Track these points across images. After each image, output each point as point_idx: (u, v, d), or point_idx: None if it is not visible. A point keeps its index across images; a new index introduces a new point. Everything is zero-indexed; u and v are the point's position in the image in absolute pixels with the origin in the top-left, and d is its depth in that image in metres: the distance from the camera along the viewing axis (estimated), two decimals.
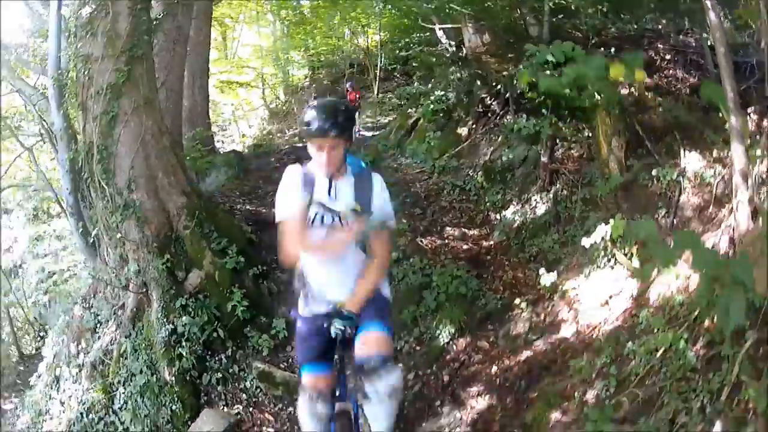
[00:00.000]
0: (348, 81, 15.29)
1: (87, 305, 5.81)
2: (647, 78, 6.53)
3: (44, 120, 8.60)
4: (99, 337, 5.57)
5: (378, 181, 3.20)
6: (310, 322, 3.32)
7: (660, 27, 7.96)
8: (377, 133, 11.58)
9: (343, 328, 3.11)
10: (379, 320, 3.20)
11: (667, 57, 6.98)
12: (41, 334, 10.44)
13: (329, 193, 3.09)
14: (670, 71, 6.73)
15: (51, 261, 12.61)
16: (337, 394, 3.36)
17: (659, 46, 7.20)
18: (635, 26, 7.72)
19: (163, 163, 5.56)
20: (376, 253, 3.21)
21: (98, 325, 5.64)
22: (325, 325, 3.19)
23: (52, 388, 5.71)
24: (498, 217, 6.14)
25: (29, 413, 5.83)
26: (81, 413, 5.16)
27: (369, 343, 3.14)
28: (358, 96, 14.65)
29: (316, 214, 3.10)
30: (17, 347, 11.14)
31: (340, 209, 3.10)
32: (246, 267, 5.51)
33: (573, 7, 7.45)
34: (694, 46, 6.98)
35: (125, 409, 5.00)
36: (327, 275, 3.25)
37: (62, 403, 5.49)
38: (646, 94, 6.34)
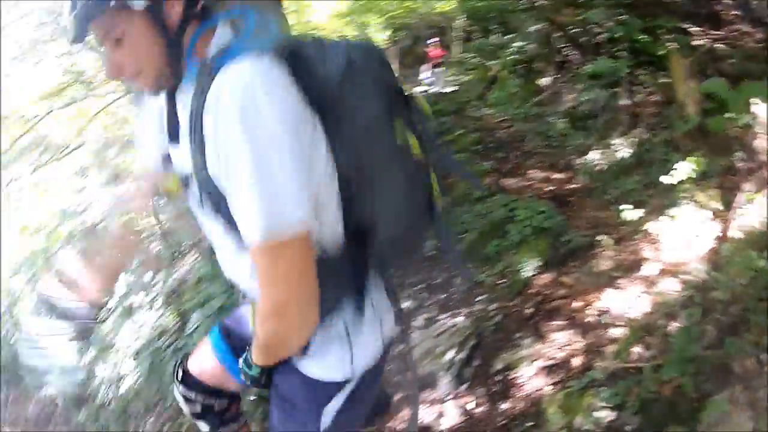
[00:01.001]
0: (430, 39, 14.70)
1: (166, 239, 5.97)
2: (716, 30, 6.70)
3: None
4: (176, 270, 5.68)
5: (224, 103, 1.13)
6: None
7: None
8: (458, 87, 11.39)
9: (246, 382, 1.61)
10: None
11: (732, 13, 7.07)
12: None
13: (170, 133, 1.41)
14: (736, 26, 7.05)
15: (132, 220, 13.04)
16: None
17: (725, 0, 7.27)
18: None
19: None
20: (260, 299, 1.29)
21: (178, 257, 5.78)
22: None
23: (123, 320, 5.74)
24: (580, 161, 6.19)
25: (93, 350, 5.80)
26: (149, 340, 5.18)
27: None
28: (443, 53, 14.12)
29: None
30: None
31: (180, 171, 1.41)
32: None
33: None
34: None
35: (197, 331, 4.89)
36: None
37: (133, 334, 5.53)
38: (716, 45, 6.47)
